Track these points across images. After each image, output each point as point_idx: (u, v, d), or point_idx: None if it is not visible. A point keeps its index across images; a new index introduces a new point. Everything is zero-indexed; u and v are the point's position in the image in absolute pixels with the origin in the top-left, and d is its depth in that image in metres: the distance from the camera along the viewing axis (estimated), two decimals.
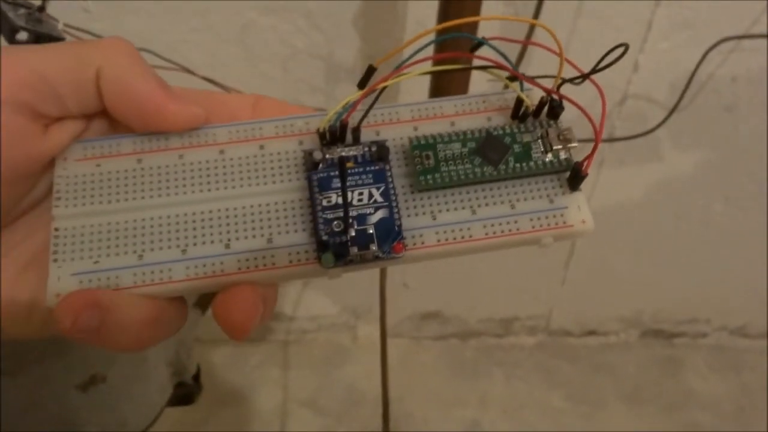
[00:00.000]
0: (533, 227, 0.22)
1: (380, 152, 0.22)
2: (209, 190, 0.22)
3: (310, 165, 0.22)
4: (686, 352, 1.04)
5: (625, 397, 0.97)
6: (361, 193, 0.22)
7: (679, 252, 0.95)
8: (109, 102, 0.20)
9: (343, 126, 0.22)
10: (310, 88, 0.72)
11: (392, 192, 0.22)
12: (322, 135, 0.22)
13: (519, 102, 0.24)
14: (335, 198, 0.21)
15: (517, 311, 1.03)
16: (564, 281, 0.98)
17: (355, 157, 0.22)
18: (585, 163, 0.23)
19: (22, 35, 0.30)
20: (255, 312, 0.20)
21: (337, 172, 0.21)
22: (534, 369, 0.99)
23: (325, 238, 0.21)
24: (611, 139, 0.77)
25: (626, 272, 0.97)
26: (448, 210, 0.22)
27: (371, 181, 0.22)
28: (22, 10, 0.32)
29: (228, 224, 0.21)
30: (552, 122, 0.24)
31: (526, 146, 0.23)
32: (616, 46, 0.23)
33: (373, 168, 0.22)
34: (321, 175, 0.22)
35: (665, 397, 0.97)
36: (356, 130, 0.22)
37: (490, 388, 0.97)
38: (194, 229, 0.21)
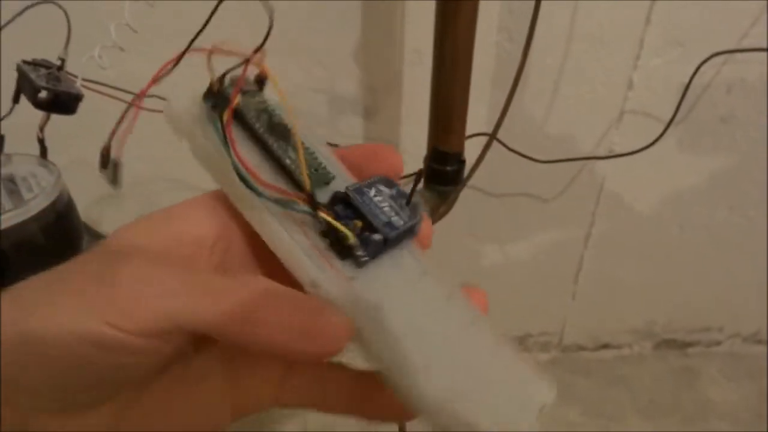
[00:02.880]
0: None
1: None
2: None
3: None
4: (701, 362, 1.04)
5: (642, 409, 0.97)
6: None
7: (687, 261, 0.96)
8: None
9: None
10: (315, 122, 0.74)
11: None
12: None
13: None
14: None
15: (530, 328, 1.04)
16: (574, 296, 0.99)
17: None
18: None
19: (43, 94, 0.32)
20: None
21: None
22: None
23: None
24: (612, 156, 0.78)
25: (636, 284, 0.98)
26: None
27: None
28: (43, 71, 0.34)
29: None
30: None
31: None
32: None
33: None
34: None
35: (682, 408, 0.97)
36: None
37: None
38: None
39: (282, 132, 0.23)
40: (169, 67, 0.24)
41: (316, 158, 0.24)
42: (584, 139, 0.79)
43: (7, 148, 0.40)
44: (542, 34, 0.63)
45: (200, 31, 0.27)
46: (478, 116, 0.73)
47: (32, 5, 0.39)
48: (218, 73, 0.23)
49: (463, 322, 0.23)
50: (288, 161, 0.23)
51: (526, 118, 0.76)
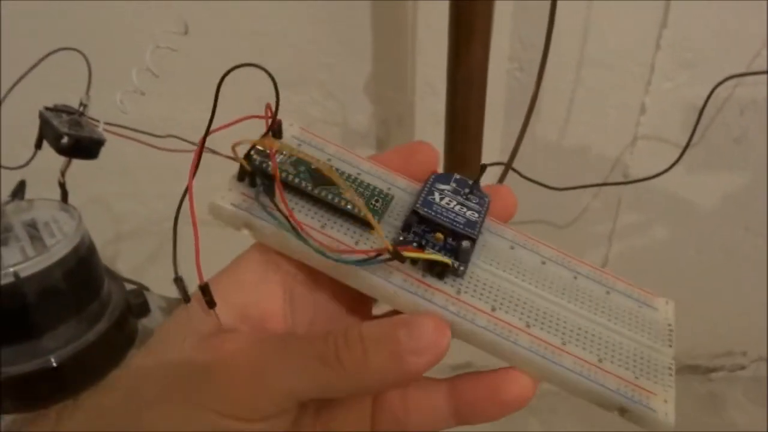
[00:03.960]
0: None
1: None
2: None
3: None
4: (725, 387, 1.02)
5: None
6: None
7: (706, 285, 0.95)
8: None
9: None
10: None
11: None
12: None
13: None
14: None
15: None
16: None
17: None
18: None
19: (66, 140, 0.32)
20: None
21: None
22: (571, 414, 0.97)
23: None
24: (628, 182, 0.78)
25: None
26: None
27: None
28: (65, 116, 0.34)
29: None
30: None
31: None
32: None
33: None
34: None
35: None
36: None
37: None
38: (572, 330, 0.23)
39: (326, 177, 0.23)
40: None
41: (368, 185, 0.24)
42: (598, 164, 0.79)
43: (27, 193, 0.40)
44: (553, 61, 0.64)
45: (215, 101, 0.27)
46: (492, 145, 0.72)
47: (54, 52, 0.39)
48: (243, 151, 0.23)
49: (565, 280, 0.24)
50: (349, 207, 0.22)
51: (539, 145, 0.76)
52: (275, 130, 0.24)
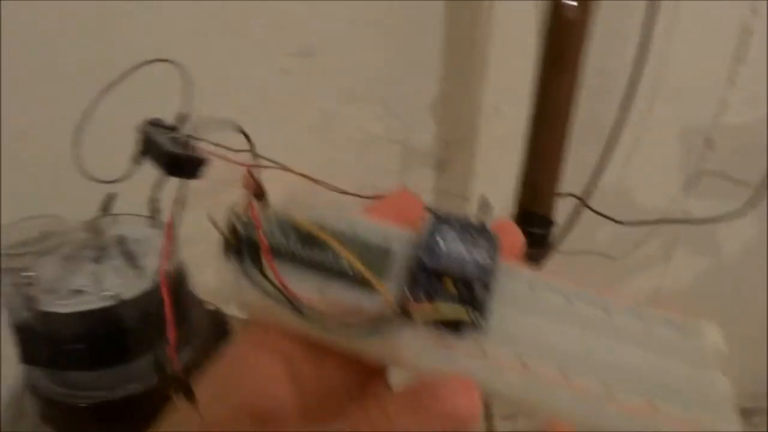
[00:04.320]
0: None
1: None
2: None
3: None
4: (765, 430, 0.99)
5: None
6: None
7: (755, 324, 0.92)
8: None
9: None
10: (385, 174, 0.73)
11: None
12: None
13: None
14: None
15: None
16: None
17: None
18: None
19: (170, 158, 0.31)
20: None
21: None
22: None
23: None
24: (694, 221, 0.76)
25: None
26: None
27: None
28: (166, 133, 0.33)
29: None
30: None
31: None
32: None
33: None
34: None
35: None
36: None
37: None
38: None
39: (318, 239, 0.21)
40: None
41: (363, 241, 0.22)
42: (659, 198, 0.77)
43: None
44: (623, 90, 0.62)
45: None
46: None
47: (147, 63, 0.38)
48: (226, 222, 0.21)
49: (597, 318, 0.21)
50: (346, 268, 0.20)
51: (603, 176, 0.74)
52: (258, 193, 0.22)
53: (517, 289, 0.21)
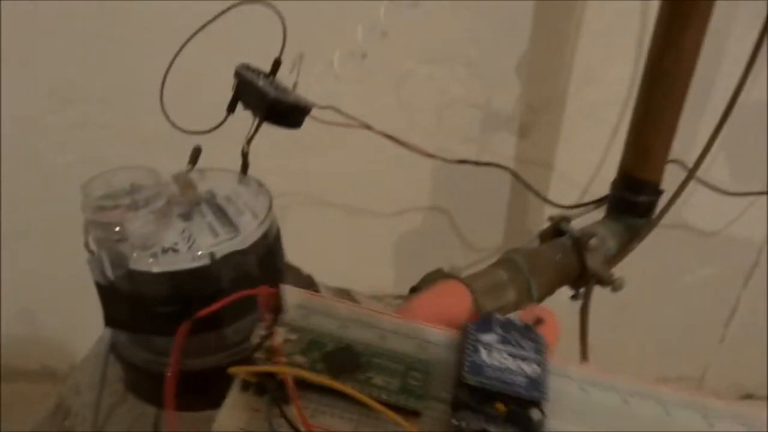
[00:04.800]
0: None
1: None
2: None
3: None
4: None
5: None
6: None
7: None
8: None
9: None
10: (463, 138, 0.69)
11: None
12: None
13: None
14: None
15: (667, 370, 0.94)
16: (723, 339, 0.89)
17: None
18: None
19: (272, 104, 0.28)
20: None
21: None
22: None
23: None
24: None
25: None
26: None
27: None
28: (263, 78, 0.30)
29: None
30: None
31: None
32: None
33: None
34: None
35: None
36: None
37: None
38: None
39: (346, 358, 0.19)
40: None
41: (398, 355, 0.20)
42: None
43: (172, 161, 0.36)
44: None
45: None
46: None
47: (236, 5, 0.35)
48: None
49: (657, 418, 0.19)
50: (384, 397, 0.18)
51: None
52: (276, 306, 0.20)
53: (569, 392, 0.20)
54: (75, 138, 0.69)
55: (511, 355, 0.19)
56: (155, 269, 0.28)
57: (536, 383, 0.19)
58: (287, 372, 0.19)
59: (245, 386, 0.20)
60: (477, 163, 0.55)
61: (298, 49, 0.32)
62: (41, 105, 0.67)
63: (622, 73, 0.63)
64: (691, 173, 0.51)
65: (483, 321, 0.20)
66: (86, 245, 0.29)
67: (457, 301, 0.22)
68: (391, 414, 0.18)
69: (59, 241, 0.82)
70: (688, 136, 0.59)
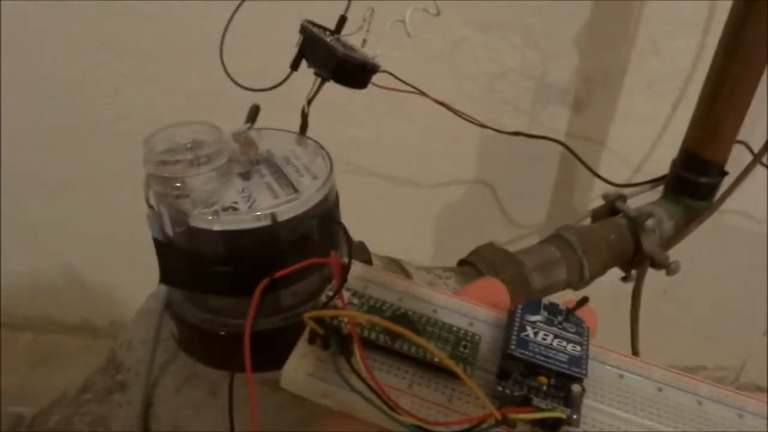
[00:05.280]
0: None
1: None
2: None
3: None
4: None
5: None
6: None
7: None
8: None
9: None
10: (514, 111, 0.67)
11: None
12: None
13: None
14: None
15: (705, 360, 0.93)
16: (766, 332, 0.87)
17: None
18: None
19: (341, 61, 0.27)
20: None
21: None
22: None
23: None
24: None
25: None
26: None
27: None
28: (328, 34, 0.29)
29: None
30: None
31: None
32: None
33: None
34: None
35: None
36: None
37: None
38: None
39: (404, 323, 0.21)
40: None
41: (450, 327, 0.21)
42: None
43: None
44: None
45: None
46: None
47: None
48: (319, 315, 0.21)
49: (689, 408, 0.21)
50: (437, 360, 0.20)
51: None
52: (342, 275, 0.21)
53: (607, 378, 0.21)
54: (122, 91, 0.69)
55: (555, 335, 0.21)
56: (216, 227, 0.27)
57: (578, 361, 0.20)
58: (355, 315, 0.21)
59: (312, 339, 0.21)
60: (531, 136, 0.54)
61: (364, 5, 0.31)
62: (91, 57, 0.67)
63: (689, 44, 0.60)
64: (758, 157, 0.48)
65: (530, 303, 0.22)
66: (146, 200, 0.28)
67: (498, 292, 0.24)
68: (446, 359, 0.19)
69: (104, 194, 0.83)
70: (754, 117, 0.57)
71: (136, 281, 0.91)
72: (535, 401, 0.19)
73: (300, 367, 0.20)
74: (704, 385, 0.22)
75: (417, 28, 0.62)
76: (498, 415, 0.18)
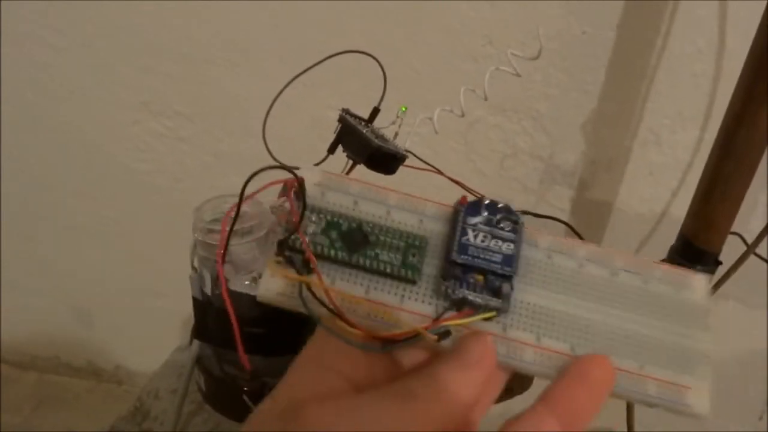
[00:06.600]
0: None
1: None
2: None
3: None
4: None
5: None
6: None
7: None
8: None
9: None
10: (523, 188, 0.70)
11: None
12: None
13: None
14: None
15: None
16: (762, 417, 0.88)
17: None
18: None
19: (374, 153, 0.30)
20: None
21: None
22: None
23: None
24: None
25: None
26: None
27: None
28: (363, 124, 0.32)
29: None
30: None
31: None
32: None
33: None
34: None
35: None
36: None
37: None
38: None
39: (359, 236, 0.23)
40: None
41: (401, 234, 0.24)
42: None
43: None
44: None
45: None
46: None
47: (339, 53, 0.37)
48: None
49: (604, 281, 0.23)
50: (389, 270, 0.23)
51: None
52: (299, 193, 0.23)
53: (537, 259, 0.24)
54: (155, 148, 0.73)
55: (492, 235, 0.23)
56: (252, 292, 0.30)
57: (510, 260, 0.23)
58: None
59: (278, 261, 0.23)
60: (537, 215, 0.57)
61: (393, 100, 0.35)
62: (130, 115, 0.71)
63: (688, 139, 0.64)
64: (751, 248, 0.51)
65: (473, 204, 0.24)
66: (191, 263, 0.31)
67: None
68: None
69: (121, 242, 0.86)
70: (748, 208, 0.60)
71: (144, 328, 0.93)
72: (471, 296, 0.22)
73: (271, 288, 0.22)
74: (621, 258, 0.24)
75: (434, 107, 0.66)
76: (435, 338, 0.21)
